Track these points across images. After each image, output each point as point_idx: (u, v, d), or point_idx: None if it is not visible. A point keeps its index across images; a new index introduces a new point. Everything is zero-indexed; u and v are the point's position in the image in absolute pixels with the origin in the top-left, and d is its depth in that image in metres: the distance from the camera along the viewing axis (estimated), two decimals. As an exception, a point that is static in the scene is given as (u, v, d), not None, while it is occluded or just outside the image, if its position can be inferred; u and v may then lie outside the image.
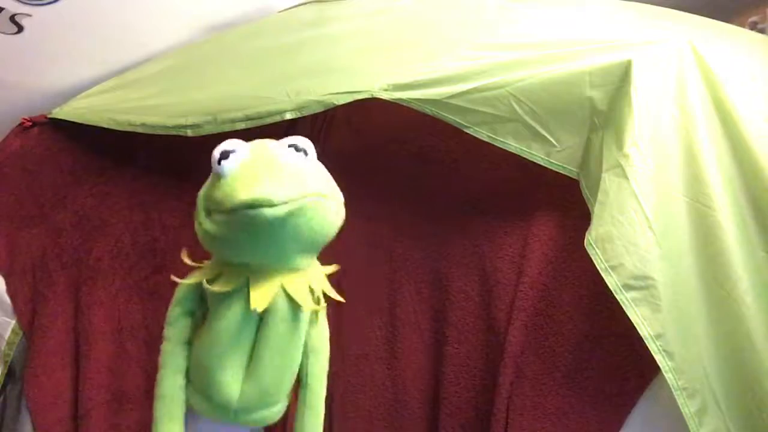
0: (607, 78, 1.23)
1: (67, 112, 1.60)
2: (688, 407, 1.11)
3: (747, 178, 1.18)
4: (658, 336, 1.12)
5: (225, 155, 1.14)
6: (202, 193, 1.21)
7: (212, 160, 1.15)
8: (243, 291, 1.15)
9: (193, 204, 1.66)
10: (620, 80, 1.22)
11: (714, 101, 1.21)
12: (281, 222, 1.08)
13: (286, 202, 1.07)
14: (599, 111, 1.25)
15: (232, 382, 1.18)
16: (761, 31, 1.56)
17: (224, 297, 1.18)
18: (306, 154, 1.17)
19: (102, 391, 1.57)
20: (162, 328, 1.61)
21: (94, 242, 1.62)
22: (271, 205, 1.06)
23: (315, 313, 1.25)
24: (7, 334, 1.57)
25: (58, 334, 1.57)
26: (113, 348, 1.59)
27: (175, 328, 1.25)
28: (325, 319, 1.30)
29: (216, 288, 1.17)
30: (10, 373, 1.58)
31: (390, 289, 1.53)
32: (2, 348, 1.56)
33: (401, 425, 1.49)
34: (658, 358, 1.11)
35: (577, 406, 1.32)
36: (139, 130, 1.47)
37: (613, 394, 1.29)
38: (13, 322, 1.57)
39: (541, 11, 1.36)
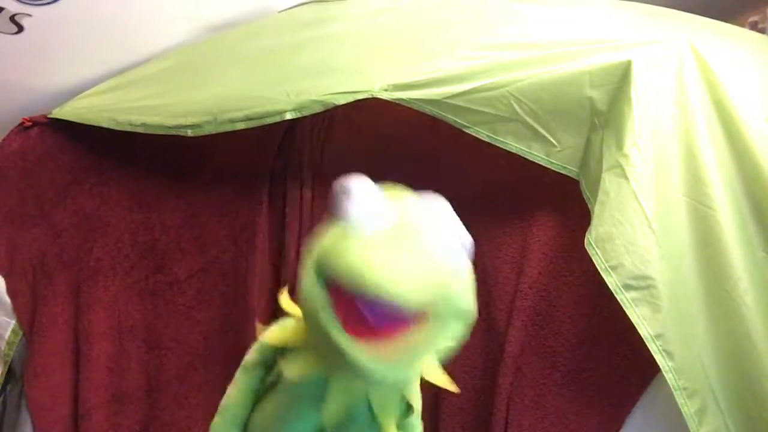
0: (607, 78, 1.23)
1: (67, 112, 1.60)
2: (688, 407, 1.11)
3: (747, 178, 1.18)
4: (658, 336, 1.12)
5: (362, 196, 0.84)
6: (316, 248, 0.88)
7: (337, 197, 0.85)
8: (319, 386, 0.93)
9: (193, 204, 1.67)
10: (620, 80, 1.22)
11: (714, 101, 1.21)
12: None
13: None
14: (599, 111, 1.25)
15: None
16: (761, 31, 1.56)
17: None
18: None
19: (102, 391, 1.57)
20: (162, 328, 1.63)
21: (94, 242, 1.62)
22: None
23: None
24: (7, 334, 1.56)
25: (58, 334, 1.57)
26: (113, 348, 1.59)
27: (247, 376, 1.05)
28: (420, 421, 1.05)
29: (288, 372, 0.95)
30: (10, 373, 1.58)
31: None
32: (2, 348, 1.56)
33: (401, 425, 1.49)
34: (658, 358, 1.11)
35: (577, 406, 1.32)
36: (139, 130, 1.47)
37: (613, 394, 1.29)
38: (13, 322, 1.57)
39: (541, 11, 1.36)
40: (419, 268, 0.82)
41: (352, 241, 0.82)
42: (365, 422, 0.95)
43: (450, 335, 0.88)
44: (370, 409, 0.94)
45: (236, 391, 1.06)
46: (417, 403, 1.00)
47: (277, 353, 1.02)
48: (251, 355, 1.06)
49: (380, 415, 0.94)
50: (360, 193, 0.85)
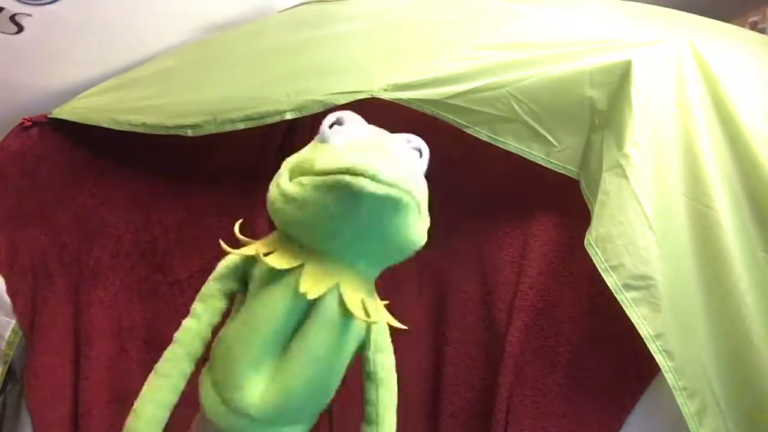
0: (607, 78, 1.23)
1: (67, 112, 1.60)
2: (688, 407, 1.11)
3: (747, 178, 1.18)
4: (658, 336, 1.12)
5: (340, 122, 1.02)
6: (292, 158, 1.07)
7: (323, 125, 1.03)
8: (294, 275, 1.02)
9: (193, 204, 1.67)
10: (620, 80, 1.22)
11: (714, 101, 1.21)
12: (377, 203, 0.94)
13: (391, 185, 0.94)
14: (599, 111, 1.25)
15: (255, 381, 1.04)
16: (761, 31, 1.56)
17: (272, 278, 1.03)
18: (420, 155, 1.07)
19: (102, 391, 1.56)
20: (162, 328, 1.63)
21: (94, 242, 1.62)
22: (375, 179, 0.92)
23: (378, 337, 1.13)
24: (7, 334, 1.56)
25: (58, 334, 1.57)
26: (113, 348, 1.59)
27: (207, 305, 1.10)
28: (391, 349, 1.16)
29: (268, 261, 1.02)
30: (10, 373, 1.57)
31: (390, 289, 1.53)
32: (2, 348, 1.56)
33: (401, 425, 1.48)
34: (658, 358, 1.11)
35: (577, 406, 1.32)
36: (139, 130, 1.47)
37: (613, 394, 1.29)
38: (13, 322, 1.57)
39: (541, 11, 1.36)
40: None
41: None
42: (333, 319, 1.03)
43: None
44: (340, 302, 1.02)
45: (195, 323, 1.09)
46: (383, 328, 1.12)
47: (239, 277, 1.11)
48: (211, 286, 1.12)
49: (349, 303, 1.02)
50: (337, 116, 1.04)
